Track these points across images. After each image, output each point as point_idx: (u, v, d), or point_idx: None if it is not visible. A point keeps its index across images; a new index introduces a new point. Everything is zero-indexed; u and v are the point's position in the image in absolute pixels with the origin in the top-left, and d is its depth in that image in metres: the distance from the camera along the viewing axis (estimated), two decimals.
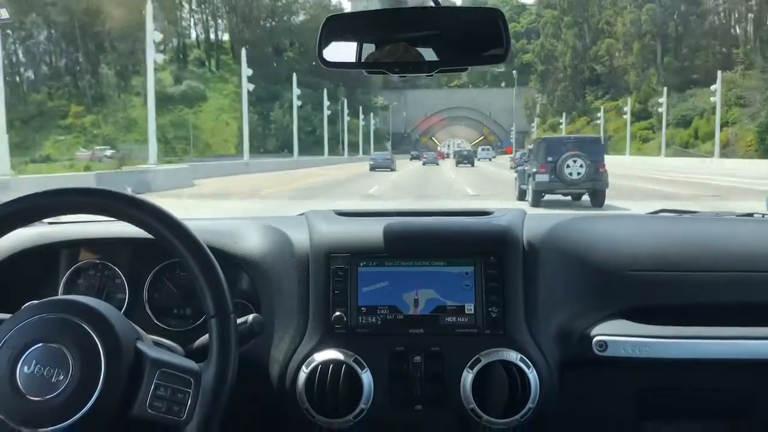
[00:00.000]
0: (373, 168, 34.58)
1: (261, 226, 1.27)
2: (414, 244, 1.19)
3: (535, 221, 1.27)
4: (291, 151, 63.32)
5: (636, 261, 1.19)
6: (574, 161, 11.65)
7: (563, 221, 1.29)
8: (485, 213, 1.34)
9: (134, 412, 0.83)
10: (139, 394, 0.83)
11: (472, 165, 42.80)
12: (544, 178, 11.87)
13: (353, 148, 72.46)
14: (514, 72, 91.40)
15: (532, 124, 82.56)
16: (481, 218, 1.30)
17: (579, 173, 11.64)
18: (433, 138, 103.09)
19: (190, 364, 0.88)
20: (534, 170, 12.15)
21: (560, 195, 12.53)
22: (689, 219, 1.47)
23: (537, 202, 12.11)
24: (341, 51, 1.08)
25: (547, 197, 12.46)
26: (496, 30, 1.04)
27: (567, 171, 11.65)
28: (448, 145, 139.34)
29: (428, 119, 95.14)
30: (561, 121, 75.87)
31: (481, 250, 1.16)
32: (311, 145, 74.08)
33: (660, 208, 1.59)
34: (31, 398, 0.80)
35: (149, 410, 0.83)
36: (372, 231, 1.19)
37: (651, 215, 1.51)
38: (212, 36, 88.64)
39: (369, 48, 1.08)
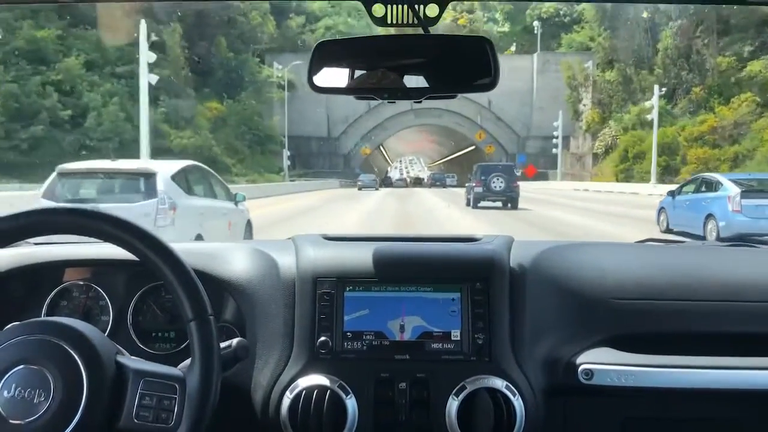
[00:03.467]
0: (360, 188, 36.97)
1: (247, 249, 1.28)
2: (401, 270, 1.20)
3: (522, 248, 1.28)
4: None
5: (622, 289, 1.21)
6: (498, 179, 20.10)
7: (550, 248, 1.31)
8: (472, 239, 1.35)
9: (121, 425, 0.84)
10: (125, 407, 0.85)
11: (444, 187, 47.15)
12: (479, 190, 20.32)
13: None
14: (535, 24, 50.23)
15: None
16: (468, 244, 1.32)
17: (500, 187, 20.10)
18: (382, 148, 60.49)
19: (173, 371, 0.90)
20: (473, 185, 20.84)
21: (490, 202, 20.35)
22: (675, 248, 1.48)
23: (475, 205, 20.21)
24: (332, 76, 1.10)
25: (482, 203, 20.27)
26: (485, 58, 1.06)
27: (493, 185, 20.10)
28: (400, 160, 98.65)
29: (372, 115, 50.64)
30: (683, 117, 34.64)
31: (468, 276, 1.18)
32: (73, 152, 29.40)
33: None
34: (12, 422, 0.80)
35: (136, 420, 0.85)
36: (359, 256, 1.21)
37: (637, 244, 1.52)
38: None
39: (359, 73, 1.10)
